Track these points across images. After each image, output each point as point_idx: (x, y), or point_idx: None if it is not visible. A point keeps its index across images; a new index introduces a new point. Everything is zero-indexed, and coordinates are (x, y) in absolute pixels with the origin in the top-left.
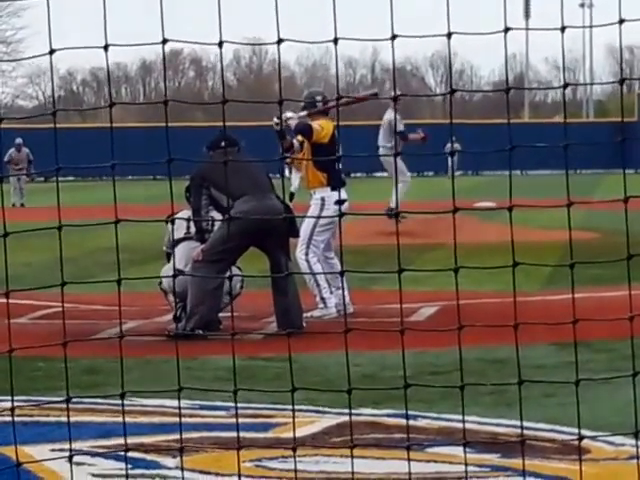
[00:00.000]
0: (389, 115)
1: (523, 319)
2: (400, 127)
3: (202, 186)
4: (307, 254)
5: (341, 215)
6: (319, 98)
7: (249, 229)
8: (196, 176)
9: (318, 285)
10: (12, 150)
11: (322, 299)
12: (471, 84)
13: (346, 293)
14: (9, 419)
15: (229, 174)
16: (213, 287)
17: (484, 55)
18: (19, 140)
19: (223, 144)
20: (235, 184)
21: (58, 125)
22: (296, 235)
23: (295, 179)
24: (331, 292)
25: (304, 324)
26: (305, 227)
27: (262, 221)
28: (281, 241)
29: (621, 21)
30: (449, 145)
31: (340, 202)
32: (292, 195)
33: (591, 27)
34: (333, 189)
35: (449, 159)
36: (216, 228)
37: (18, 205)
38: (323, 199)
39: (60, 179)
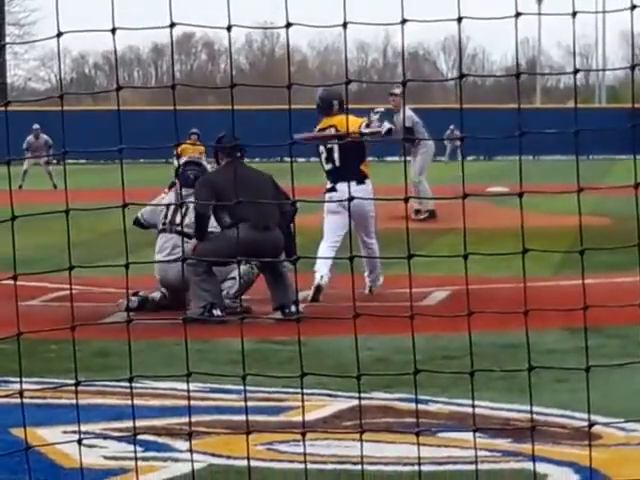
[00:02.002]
0: (409, 112)
1: (535, 304)
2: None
3: (211, 192)
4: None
5: (350, 199)
6: (336, 102)
7: (245, 254)
8: (206, 182)
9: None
10: (30, 137)
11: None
12: (483, 69)
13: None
14: (19, 401)
15: (234, 192)
16: (204, 273)
17: (496, 39)
18: (36, 125)
19: (230, 149)
20: (239, 207)
21: (70, 108)
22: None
23: None
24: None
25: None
26: (372, 218)
27: (260, 252)
28: (275, 264)
29: (633, 7)
30: (448, 132)
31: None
32: None
33: (604, 12)
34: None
35: (448, 144)
36: (214, 235)
37: (51, 187)
38: (372, 188)
39: (72, 162)
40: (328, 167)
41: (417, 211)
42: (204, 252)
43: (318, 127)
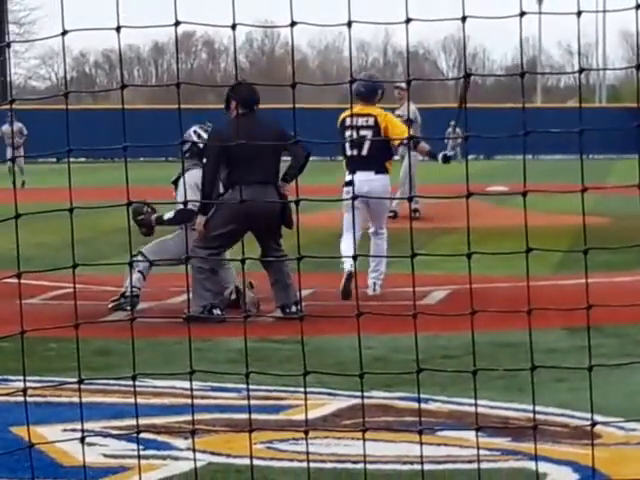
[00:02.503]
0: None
1: (534, 304)
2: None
3: (221, 154)
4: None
5: (354, 198)
6: (380, 92)
7: (243, 217)
8: (216, 138)
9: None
10: (5, 125)
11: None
12: (483, 68)
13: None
14: (21, 399)
15: (239, 146)
16: (208, 272)
17: (497, 39)
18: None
19: (249, 100)
20: (239, 164)
21: (71, 106)
22: (289, 226)
23: None
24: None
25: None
26: (386, 210)
27: (256, 210)
28: (274, 231)
29: (638, 6)
30: (450, 129)
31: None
32: None
33: (605, 12)
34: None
35: (449, 143)
36: (212, 212)
37: (19, 185)
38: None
39: (72, 160)
40: (351, 153)
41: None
42: (214, 227)
43: (350, 112)
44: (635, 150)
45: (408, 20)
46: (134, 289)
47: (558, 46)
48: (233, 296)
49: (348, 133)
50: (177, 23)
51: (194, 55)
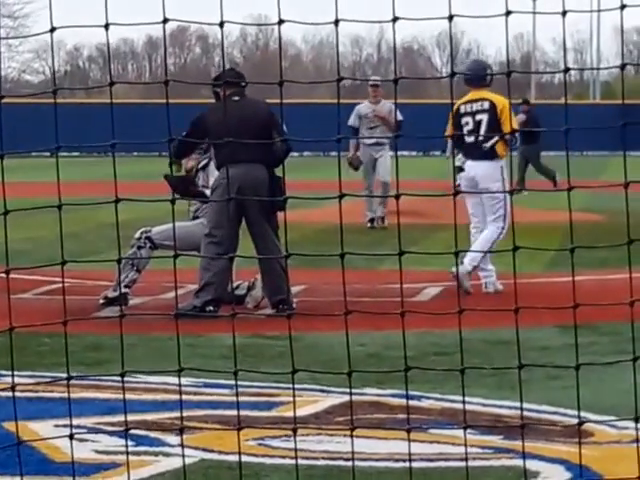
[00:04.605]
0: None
1: (527, 301)
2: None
3: (196, 132)
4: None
5: (342, 196)
6: (488, 72)
7: (233, 194)
8: (198, 122)
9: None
10: None
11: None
12: None
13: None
14: (11, 395)
15: (226, 130)
16: (221, 268)
17: (491, 34)
18: None
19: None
20: (223, 144)
21: (63, 100)
22: (281, 209)
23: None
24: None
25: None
26: (497, 199)
27: (244, 185)
28: (266, 213)
29: (622, 7)
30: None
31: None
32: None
33: (599, 11)
34: None
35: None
36: (206, 205)
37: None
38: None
39: (65, 154)
40: (470, 140)
41: (383, 219)
42: (210, 220)
43: (464, 99)
44: (628, 148)
45: (395, 19)
46: (126, 288)
47: (553, 42)
48: (243, 291)
49: (464, 120)
50: (165, 20)
51: (188, 50)
